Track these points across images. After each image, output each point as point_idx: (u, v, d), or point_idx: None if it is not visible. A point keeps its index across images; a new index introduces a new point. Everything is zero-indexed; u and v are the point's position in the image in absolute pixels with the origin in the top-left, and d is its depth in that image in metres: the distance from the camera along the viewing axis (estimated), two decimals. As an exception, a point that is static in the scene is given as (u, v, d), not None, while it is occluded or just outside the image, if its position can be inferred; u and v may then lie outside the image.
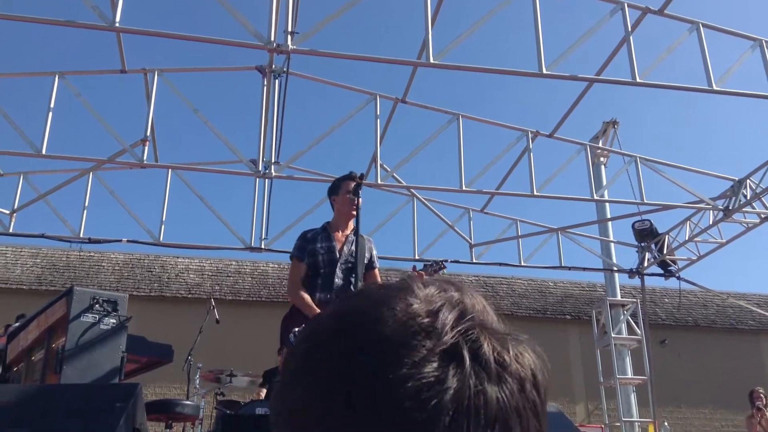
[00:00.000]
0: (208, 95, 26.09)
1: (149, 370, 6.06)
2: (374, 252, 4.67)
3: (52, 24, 5.50)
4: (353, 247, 4.38)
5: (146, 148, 7.06)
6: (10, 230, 8.80)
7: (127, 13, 5.38)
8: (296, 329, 4.28)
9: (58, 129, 7.21)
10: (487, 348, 0.54)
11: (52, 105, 7.09)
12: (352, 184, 4.46)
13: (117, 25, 5.26)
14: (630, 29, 6.17)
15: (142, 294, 16.01)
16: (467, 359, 0.53)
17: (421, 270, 4.48)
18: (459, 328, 0.54)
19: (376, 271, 4.65)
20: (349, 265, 4.42)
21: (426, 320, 0.54)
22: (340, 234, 4.52)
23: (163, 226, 8.70)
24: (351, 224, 4.47)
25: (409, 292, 0.57)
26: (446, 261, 4.64)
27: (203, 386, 7.40)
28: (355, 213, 4.41)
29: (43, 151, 6.91)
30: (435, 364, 0.52)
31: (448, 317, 0.55)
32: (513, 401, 0.53)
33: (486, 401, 0.51)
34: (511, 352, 0.55)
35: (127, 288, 16.03)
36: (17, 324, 6.82)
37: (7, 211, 8.76)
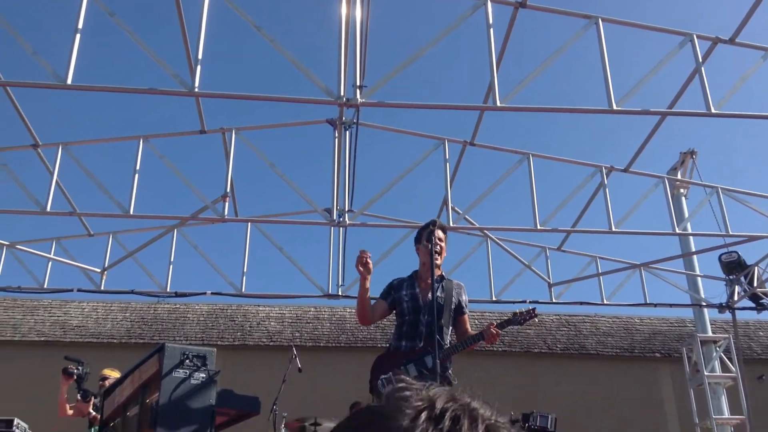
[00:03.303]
0: (282, 148, 26.87)
1: (238, 422, 6.17)
2: (464, 297, 4.68)
3: (136, 92, 5.85)
4: (439, 294, 4.45)
5: (227, 203, 7.33)
6: (102, 287, 9.25)
7: (204, 77, 5.66)
8: (384, 377, 4.31)
9: (144, 190, 7.60)
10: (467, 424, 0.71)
11: (137, 167, 7.49)
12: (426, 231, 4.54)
13: (196, 90, 5.55)
14: (701, 60, 6.05)
15: (226, 343, 16.36)
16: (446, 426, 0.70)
17: (508, 318, 4.50)
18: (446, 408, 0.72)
19: (466, 316, 4.66)
20: (430, 311, 4.44)
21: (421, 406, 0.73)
22: (424, 282, 4.55)
23: (244, 277, 8.96)
24: (436, 271, 4.51)
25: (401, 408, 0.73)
26: (534, 308, 4.60)
27: (289, 436, 7.47)
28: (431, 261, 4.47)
29: (131, 212, 7.27)
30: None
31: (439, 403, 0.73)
32: None
33: None
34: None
35: (212, 338, 16.45)
36: (82, 369, 7.08)
37: (98, 270, 9.22)
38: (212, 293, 9.18)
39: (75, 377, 6.98)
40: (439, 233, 4.56)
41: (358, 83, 5.64)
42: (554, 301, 9.81)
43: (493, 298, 9.36)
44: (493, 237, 9.38)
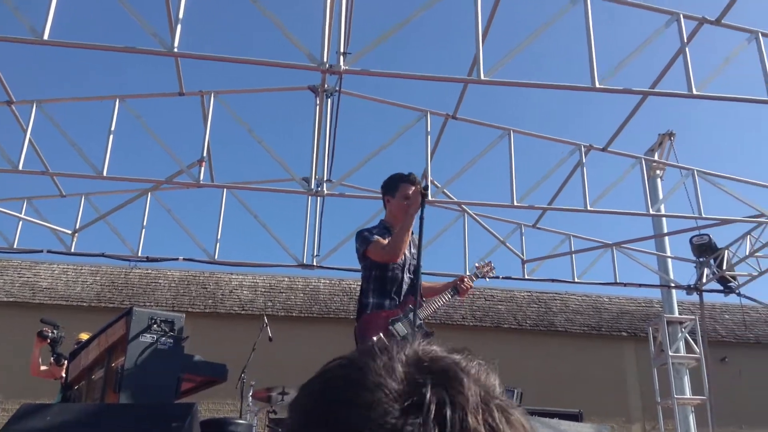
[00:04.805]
0: (262, 115, 26.57)
1: (204, 389, 6.16)
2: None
3: (113, 50, 5.70)
4: (413, 250, 4.39)
5: (203, 168, 7.23)
6: (72, 249, 9.10)
7: (184, 38, 5.54)
8: (375, 338, 4.21)
9: (119, 151, 7.45)
10: (458, 410, 0.58)
11: (113, 128, 7.33)
12: (411, 189, 4.42)
13: (175, 50, 5.42)
14: (686, 40, 6.06)
15: (197, 310, 16.30)
16: (431, 418, 0.57)
17: (472, 274, 4.54)
18: (428, 390, 0.59)
19: None
20: (411, 268, 4.38)
21: (400, 387, 0.60)
22: None
23: (218, 244, 8.87)
24: None
25: (389, 356, 0.64)
26: (490, 261, 4.69)
27: (256, 404, 7.47)
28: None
29: (104, 173, 7.13)
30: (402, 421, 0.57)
31: (420, 383, 0.60)
32: None
33: None
34: (493, 417, 0.60)
35: (183, 305, 16.36)
36: (57, 333, 6.98)
37: (69, 231, 9.07)
38: (184, 259, 9.09)
39: (49, 340, 6.89)
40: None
41: (342, 50, 5.55)
42: (526, 277, 9.88)
43: (467, 273, 9.38)
44: (470, 212, 9.39)
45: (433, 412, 0.57)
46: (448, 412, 0.58)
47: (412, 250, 4.38)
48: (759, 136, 31.15)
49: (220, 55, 5.68)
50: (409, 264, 4.38)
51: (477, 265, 4.68)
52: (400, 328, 4.22)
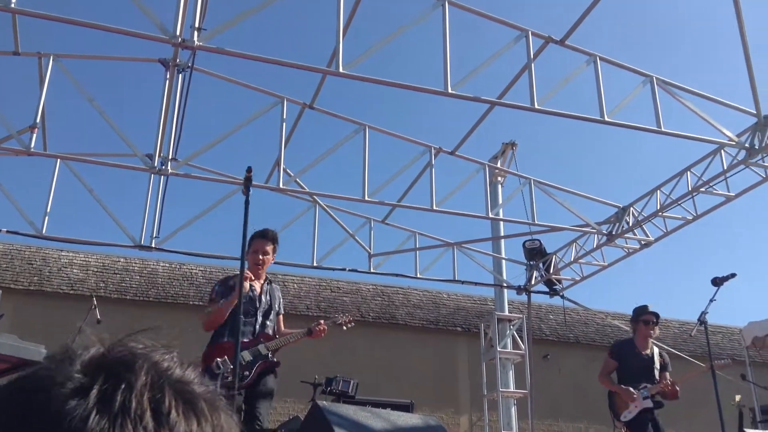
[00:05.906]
0: (105, 84, 25.00)
1: (18, 371, 5.72)
2: (281, 299, 5.24)
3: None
4: (269, 296, 4.99)
5: (34, 135, 6.68)
6: None
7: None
8: (219, 359, 4.40)
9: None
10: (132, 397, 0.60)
11: (-70, 81, 6.60)
12: (260, 242, 4.94)
13: (13, 5, 4.97)
14: (532, 56, 6.42)
15: (20, 287, 15.10)
16: (91, 399, 0.59)
17: (331, 321, 5.14)
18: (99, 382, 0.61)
19: (281, 316, 5.20)
20: (264, 311, 4.93)
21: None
22: (257, 283, 4.97)
23: (47, 218, 8.25)
24: (263, 274, 5.06)
25: (71, 354, 0.66)
26: (351, 318, 5.46)
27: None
28: (259, 270, 4.96)
29: None
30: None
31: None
32: None
33: None
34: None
35: (5, 280, 15.09)
36: None
37: None
38: (8, 231, 8.37)
39: None
40: (268, 246, 5.01)
41: (197, 25, 5.34)
42: (372, 271, 10.07)
43: (314, 264, 9.40)
44: (321, 203, 9.40)
45: (95, 394, 0.59)
46: (115, 395, 0.60)
47: (270, 296, 4.96)
48: (592, 152, 33.79)
49: (63, 16, 5.26)
50: (266, 309, 4.91)
51: (339, 316, 5.35)
52: (246, 354, 4.65)
